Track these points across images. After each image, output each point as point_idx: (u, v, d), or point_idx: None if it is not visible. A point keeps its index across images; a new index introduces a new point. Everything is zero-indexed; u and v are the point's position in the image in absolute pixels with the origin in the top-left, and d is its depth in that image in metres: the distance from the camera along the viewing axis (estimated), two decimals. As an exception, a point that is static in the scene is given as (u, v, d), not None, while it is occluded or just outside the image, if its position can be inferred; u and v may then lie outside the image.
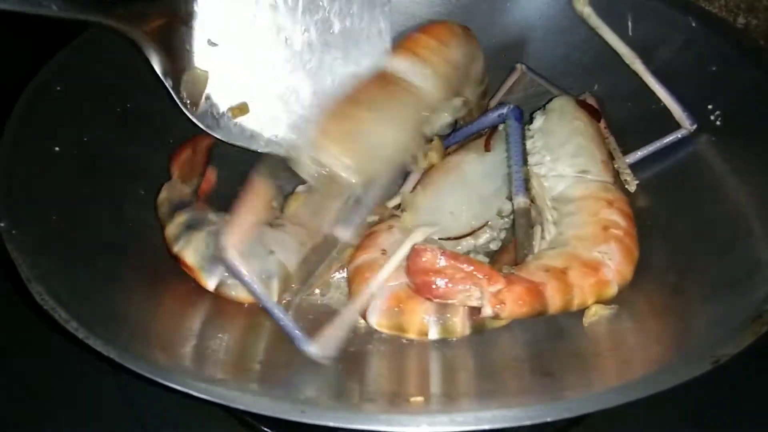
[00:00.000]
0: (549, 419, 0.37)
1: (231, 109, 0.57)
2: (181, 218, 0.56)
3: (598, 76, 0.72)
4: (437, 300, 0.48)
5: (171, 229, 0.56)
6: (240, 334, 0.51)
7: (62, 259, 0.48)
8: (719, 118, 0.61)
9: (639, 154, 0.65)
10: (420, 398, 0.42)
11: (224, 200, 0.54)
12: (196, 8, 0.56)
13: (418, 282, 0.47)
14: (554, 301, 0.49)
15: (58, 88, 0.59)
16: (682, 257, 0.54)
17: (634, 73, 0.66)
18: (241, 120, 0.57)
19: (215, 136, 0.59)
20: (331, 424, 0.38)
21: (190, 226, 0.55)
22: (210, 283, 0.53)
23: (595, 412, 0.39)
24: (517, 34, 0.75)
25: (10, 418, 0.61)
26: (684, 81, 0.65)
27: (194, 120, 0.57)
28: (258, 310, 0.51)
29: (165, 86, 0.57)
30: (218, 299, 0.53)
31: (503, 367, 0.48)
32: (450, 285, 0.47)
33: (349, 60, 0.59)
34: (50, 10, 0.47)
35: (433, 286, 0.47)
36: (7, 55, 0.87)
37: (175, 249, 0.54)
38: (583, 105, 0.65)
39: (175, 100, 0.58)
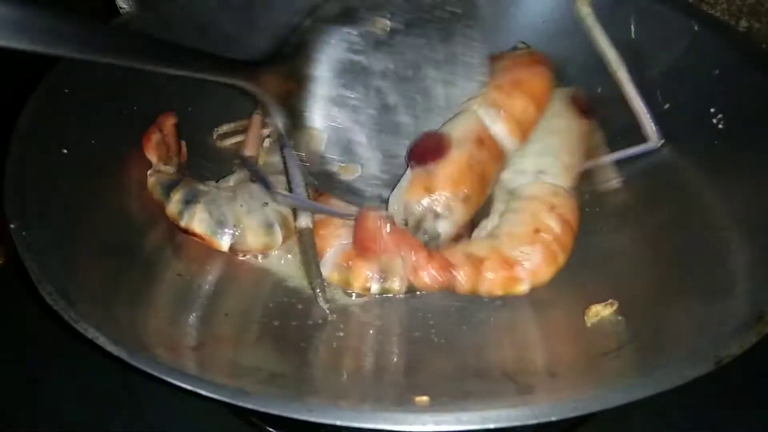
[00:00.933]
0: (554, 418, 0.38)
1: (341, 167, 0.60)
2: (177, 196, 0.60)
3: (602, 78, 0.72)
4: (367, 260, 0.55)
5: (172, 208, 0.60)
6: (248, 335, 0.51)
7: (72, 260, 0.49)
8: (721, 122, 0.61)
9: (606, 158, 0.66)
10: (425, 398, 0.42)
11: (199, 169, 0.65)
12: (314, 72, 0.59)
13: (356, 241, 0.56)
14: (462, 284, 0.54)
15: (66, 91, 0.60)
16: (684, 256, 0.54)
17: (634, 79, 0.67)
18: (349, 178, 0.61)
19: (326, 191, 0.62)
20: (338, 423, 0.38)
21: (188, 201, 0.60)
22: (224, 245, 0.59)
23: (600, 412, 0.39)
24: (521, 37, 0.76)
25: (18, 418, 0.61)
26: (686, 84, 0.65)
27: (311, 176, 0.60)
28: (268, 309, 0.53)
29: (282, 144, 0.62)
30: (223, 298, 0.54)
31: (505, 368, 0.49)
32: (380, 250, 0.54)
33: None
34: (195, 72, 0.51)
35: (367, 248, 0.55)
36: (16, 59, 0.88)
37: (183, 224, 0.60)
38: (575, 101, 0.64)
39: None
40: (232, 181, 0.65)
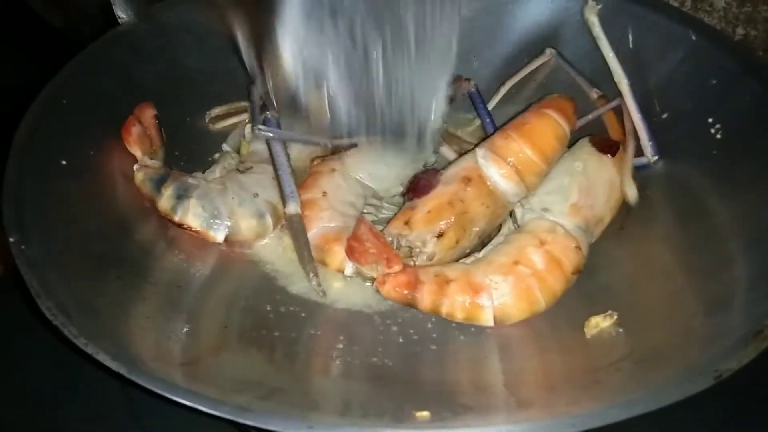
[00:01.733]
0: (554, 435, 0.38)
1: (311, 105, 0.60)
2: (168, 191, 0.61)
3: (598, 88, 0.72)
4: (352, 259, 0.58)
5: (164, 203, 0.61)
6: (247, 348, 0.51)
7: (71, 273, 0.49)
8: (719, 132, 0.61)
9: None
10: (425, 413, 0.42)
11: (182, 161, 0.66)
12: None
13: (348, 243, 0.58)
14: (423, 301, 0.55)
15: (65, 102, 0.60)
16: (683, 270, 0.54)
17: (632, 88, 0.67)
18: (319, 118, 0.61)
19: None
20: (339, 438, 0.38)
21: (180, 196, 0.60)
22: (219, 237, 0.61)
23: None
24: (520, 48, 0.76)
25: (17, 428, 0.61)
26: (684, 94, 0.65)
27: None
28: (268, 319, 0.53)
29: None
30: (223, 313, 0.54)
31: (505, 381, 0.49)
32: (364, 255, 0.57)
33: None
34: None
35: (354, 251, 0.57)
36: (13, 69, 0.88)
37: (177, 219, 0.60)
38: (601, 143, 0.64)
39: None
40: (218, 171, 0.65)
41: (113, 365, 0.42)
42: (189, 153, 0.68)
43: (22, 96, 0.59)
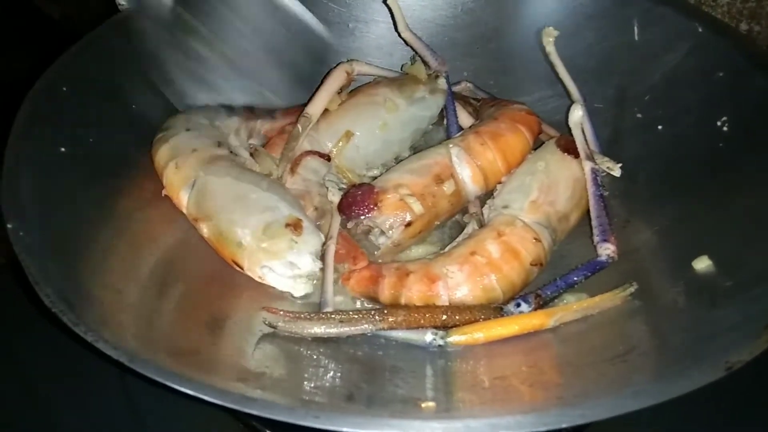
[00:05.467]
0: (564, 425, 0.37)
1: None
2: None
3: (603, 80, 0.72)
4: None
5: None
6: (251, 339, 0.51)
7: (70, 261, 0.48)
8: (726, 124, 0.61)
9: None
10: (431, 404, 0.42)
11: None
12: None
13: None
14: (384, 293, 0.56)
15: (64, 89, 0.59)
16: (694, 259, 0.53)
17: (638, 81, 0.67)
18: None
19: None
20: (345, 429, 0.37)
21: None
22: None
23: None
24: (523, 40, 0.75)
25: (15, 419, 0.60)
26: (691, 86, 0.65)
27: None
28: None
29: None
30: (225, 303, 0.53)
31: (513, 373, 0.48)
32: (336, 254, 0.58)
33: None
34: None
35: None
36: (13, 56, 0.87)
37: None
38: (566, 145, 0.64)
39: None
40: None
41: (114, 354, 0.41)
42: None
43: (20, 88, 0.58)
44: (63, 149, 0.56)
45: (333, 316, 0.51)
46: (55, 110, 0.58)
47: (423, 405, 0.42)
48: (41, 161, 0.54)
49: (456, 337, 0.50)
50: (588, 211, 0.61)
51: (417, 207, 0.59)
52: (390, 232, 0.59)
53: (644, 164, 0.65)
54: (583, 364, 0.47)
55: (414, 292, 0.55)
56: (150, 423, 0.60)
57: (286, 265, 0.55)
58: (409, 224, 0.59)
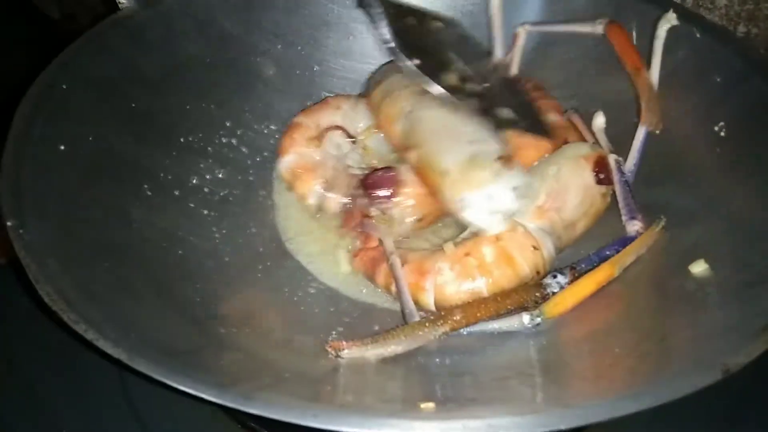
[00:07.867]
0: (563, 427, 0.37)
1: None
2: None
3: (600, 83, 0.72)
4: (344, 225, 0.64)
5: None
6: (249, 337, 0.51)
7: (70, 258, 0.48)
8: (723, 129, 0.61)
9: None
10: (431, 404, 0.42)
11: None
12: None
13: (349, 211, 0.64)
14: (379, 277, 0.59)
15: (64, 87, 0.59)
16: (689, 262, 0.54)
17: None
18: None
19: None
20: (344, 428, 0.38)
21: None
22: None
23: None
24: (521, 43, 0.75)
25: (15, 418, 0.60)
26: (688, 91, 0.65)
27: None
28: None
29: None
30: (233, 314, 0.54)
31: (511, 374, 0.48)
32: (353, 224, 0.63)
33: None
34: None
35: (347, 219, 0.63)
36: (12, 54, 0.87)
37: None
38: (594, 160, 0.63)
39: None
40: None
41: (114, 352, 0.41)
42: (189, 141, 0.67)
43: (18, 88, 0.57)
44: (62, 147, 0.55)
45: (396, 333, 0.50)
46: (54, 108, 0.57)
47: (422, 405, 0.42)
48: (40, 159, 0.53)
49: (551, 308, 0.52)
50: (595, 220, 0.62)
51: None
52: (400, 221, 0.61)
53: (640, 168, 0.65)
54: (581, 366, 0.47)
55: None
56: (150, 423, 0.60)
57: (484, 198, 0.55)
58: (420, 219, 0.62)
